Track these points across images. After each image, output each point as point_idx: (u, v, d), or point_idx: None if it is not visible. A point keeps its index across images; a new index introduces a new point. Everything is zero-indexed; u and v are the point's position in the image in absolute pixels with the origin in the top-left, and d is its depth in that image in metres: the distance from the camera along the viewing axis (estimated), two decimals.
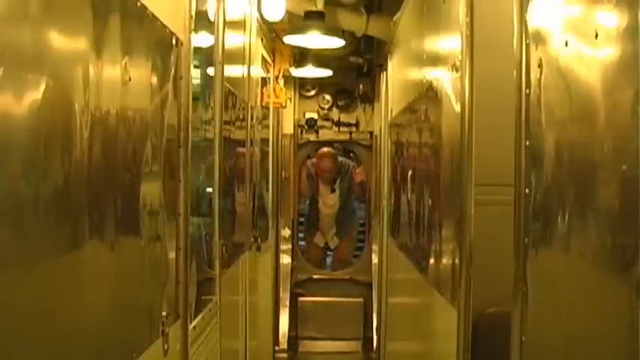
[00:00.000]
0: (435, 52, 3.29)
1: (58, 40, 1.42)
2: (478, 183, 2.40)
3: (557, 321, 1.57)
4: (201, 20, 2.90)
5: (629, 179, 1.18)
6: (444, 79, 2.90)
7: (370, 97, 7.84)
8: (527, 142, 1.76)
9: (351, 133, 8.03)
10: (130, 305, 1.97)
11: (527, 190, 1.75)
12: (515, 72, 1.84)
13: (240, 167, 4.22)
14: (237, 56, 4.05)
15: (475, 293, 2.38)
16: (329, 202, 8.18)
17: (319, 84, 7.90)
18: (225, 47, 3.31)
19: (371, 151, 7.87)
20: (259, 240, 5.15)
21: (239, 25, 4.15)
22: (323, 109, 8.04)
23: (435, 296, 2.98)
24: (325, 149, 8.05)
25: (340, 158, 8.28)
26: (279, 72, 6.53)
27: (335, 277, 8.04)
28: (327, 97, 8.01)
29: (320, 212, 8.25)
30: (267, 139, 6.04)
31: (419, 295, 3.63)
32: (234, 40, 3.87)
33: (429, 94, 3.33)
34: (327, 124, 8.04)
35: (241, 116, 4.20)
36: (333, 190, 8.14)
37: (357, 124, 8.04)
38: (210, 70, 3.22)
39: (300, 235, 8.29)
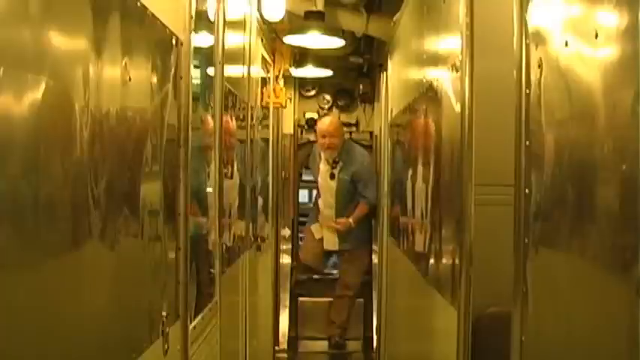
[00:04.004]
0: (435, 52, 3.29)
1: (58, 40, 1.42)
2: (478, 183, 2.40)
3: (557, 321, 1.57)
4: (201, 20, 2.90)
5: (629, 179, 1.18)
6: (444, 79, 2.90)
7: (370, 97, 7.83)
8: (527, 142, 1.76)
9: (351, 133, 8.01)
10: (130, 305, 1.96)
11: (527, 190, 1.75)
12: (515, 72, 1.84)
13: (239, 167, 4.21)
14: (237, 56, 4.05)
15: (475, 293, 2.38)
16: (327, 185, 7.01)
17: (319, 84, 7.88)
18: (225, 47, 3.31)
19: (371, 151, 7.86)
20: (259, 240, 5.15)
21: (239, 25, 4.15)
22: (323, 109, 8.02)
23: (435, 296, 2.98)
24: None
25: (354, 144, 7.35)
26: (279, 72, 6.52)
27: (335, 277, 8.03)
28: (327, 97, 8.00)
29: (319, 197, 7.16)
30: (267, 139, 6.04)
31: (419, 295, 3.63)
32: (234, 40, 3.87)
33: (429, 94, 3.32)
34: None
35: (241, 116, 4.20)
36: (332, 176, 6.95)
37: (357, 124, 8.03)
38: (210, 70, 3.21)
39: (301, 235, 8.23)
